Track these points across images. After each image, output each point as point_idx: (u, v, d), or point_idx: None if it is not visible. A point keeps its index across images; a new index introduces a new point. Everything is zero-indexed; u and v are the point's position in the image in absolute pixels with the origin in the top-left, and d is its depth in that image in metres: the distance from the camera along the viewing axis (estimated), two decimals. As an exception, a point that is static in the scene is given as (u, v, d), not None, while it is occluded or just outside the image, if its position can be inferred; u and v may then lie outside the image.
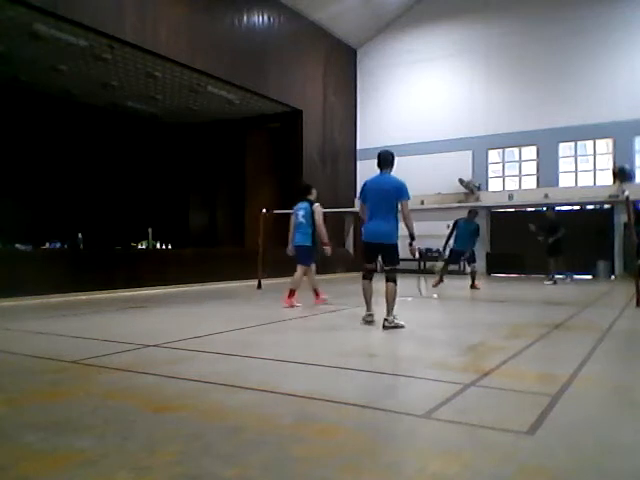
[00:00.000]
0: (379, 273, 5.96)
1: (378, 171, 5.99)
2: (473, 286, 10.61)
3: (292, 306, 7.34)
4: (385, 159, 5.88)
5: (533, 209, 16.88)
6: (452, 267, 12.06)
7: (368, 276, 5.85)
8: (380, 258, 5.81)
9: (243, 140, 17.95)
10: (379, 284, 5.86)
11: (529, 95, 16.35)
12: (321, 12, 16.52)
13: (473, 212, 11.10)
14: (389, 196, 5.63)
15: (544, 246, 12.39)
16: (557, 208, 16.48)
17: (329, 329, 5.73)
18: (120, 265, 10.17)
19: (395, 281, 5.64)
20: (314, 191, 7.80)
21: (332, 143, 17.91)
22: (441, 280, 10.57)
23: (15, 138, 13.90)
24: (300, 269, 7.57)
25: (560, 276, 12.56)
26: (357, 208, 5.91)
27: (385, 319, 5.54)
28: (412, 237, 5.67)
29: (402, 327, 5.50)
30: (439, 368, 3.70)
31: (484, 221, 17.20)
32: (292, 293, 7.45)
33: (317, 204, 7.59)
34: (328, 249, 7.52)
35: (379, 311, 5.81)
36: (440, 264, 12.52)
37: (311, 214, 7.47)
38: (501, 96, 16.79)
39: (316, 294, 7.82)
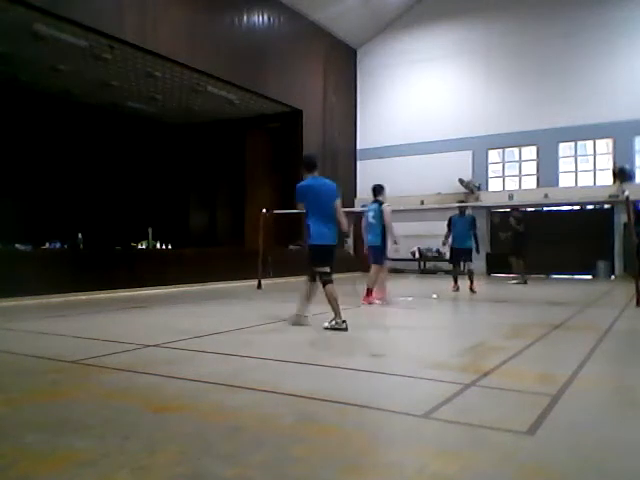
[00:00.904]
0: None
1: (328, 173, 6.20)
2: (471, 288, 10.37)
3: (370, 303, 7.77)
4: (314, 162, 5.99)
5: (533, 209, 16.88)
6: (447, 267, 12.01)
7: (313, 278, 5.69)
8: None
9: (243, 140, 17.94)
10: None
11: (529, 95, 16.35)
12: (321, 12, 16.52)
13: (463, 207, 11.10)
14: (333, 198, 5.75)
15: (511, 248, 12.69)
16: (557, 208, 16.52)
17: (329, 329, 5.72)
18: (120, 265, 10.16)
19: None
20: (384, 192, 8.11)
21: (332, 143, 17.90)
22: (456, 284, 10.40)
23: (15, 138, 13.89)
24: (374, 268, 7.89)
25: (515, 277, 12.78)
26: (299, 209, 5.80)
27: (335, 321, 5.42)
28: (348, 235, 5.73)
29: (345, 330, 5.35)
30: (439, 368, 3.70)
31: (484, 221, 17.19)
32: (370, 292, 7.87)
33: (386, 204, 7.89)
34: (398, 247, 7.95)
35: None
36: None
37: (380, 215, 7.77)
38: (501, 96, 16.79)
39: (368, 293, 7.95)
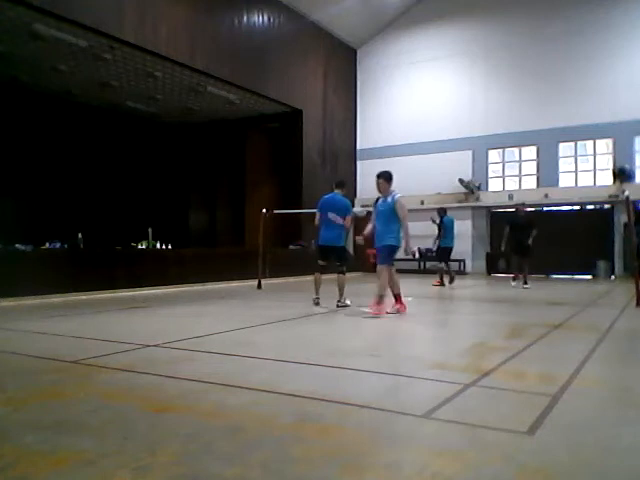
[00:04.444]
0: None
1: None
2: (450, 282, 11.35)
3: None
4: (338, 183, 7.59)
5: (533, 209, 16.88)
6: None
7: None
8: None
9: (243, 140, 17.94)
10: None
11: (529, 95, 16.35)
12: (321, 12, 16.52)
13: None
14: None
15: (516, 245, 11.33)
16: (557, 208, 16.52)
17: (330, 329, 5.73)
18: (120, 265, 10.16)
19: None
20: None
21: (332, 143, 17.90)
22: (448, 280, 11.15)
23: (15, 138, 13.89)
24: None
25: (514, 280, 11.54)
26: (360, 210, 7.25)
27: (338, 301, 7.14)
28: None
29: (349, 306, 7.00)
30: (439, 368, 3.70)
31: (484, 221, 17.21)
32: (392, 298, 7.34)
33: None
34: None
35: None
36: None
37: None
38: (501, 96, 16.79)
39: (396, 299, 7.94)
